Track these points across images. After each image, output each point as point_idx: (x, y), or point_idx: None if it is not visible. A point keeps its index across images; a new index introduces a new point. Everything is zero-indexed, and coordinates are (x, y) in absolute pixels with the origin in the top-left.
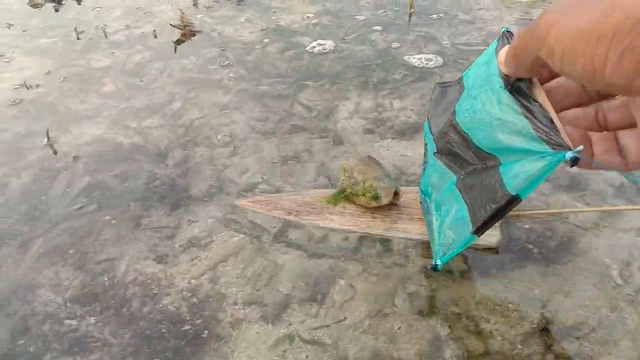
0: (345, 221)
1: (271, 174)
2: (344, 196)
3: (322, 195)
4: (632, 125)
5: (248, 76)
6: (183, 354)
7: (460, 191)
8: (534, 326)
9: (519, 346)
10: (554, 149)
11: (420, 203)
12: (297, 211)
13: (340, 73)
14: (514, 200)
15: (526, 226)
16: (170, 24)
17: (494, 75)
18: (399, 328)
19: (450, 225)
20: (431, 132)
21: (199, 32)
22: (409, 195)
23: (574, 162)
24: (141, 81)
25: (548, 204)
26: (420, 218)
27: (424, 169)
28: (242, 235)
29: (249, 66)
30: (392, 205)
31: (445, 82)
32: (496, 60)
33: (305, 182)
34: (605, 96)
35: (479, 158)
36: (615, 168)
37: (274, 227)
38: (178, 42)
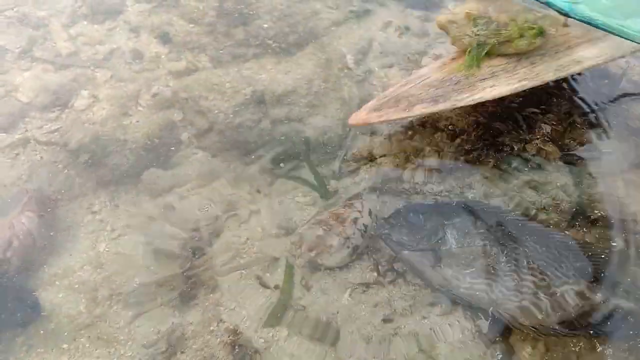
0: (508, 80)
1: None
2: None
3: (447, 66)
4: None
5: None
6: None
7: None
8: (247, 97)
9: (231, 116)
10: None
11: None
12: (442, 96)
13: None
14: None
15: (265, 25)
16: None
17: None
18: (137, 121)
19: None
20: None
21: None
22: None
23: None
24: None
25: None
26: (577, 43)
27: None
28: None
29: None
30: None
31: None
32: None
33: None
34: None
35: None
36: None
37: (18, 47)
38: None
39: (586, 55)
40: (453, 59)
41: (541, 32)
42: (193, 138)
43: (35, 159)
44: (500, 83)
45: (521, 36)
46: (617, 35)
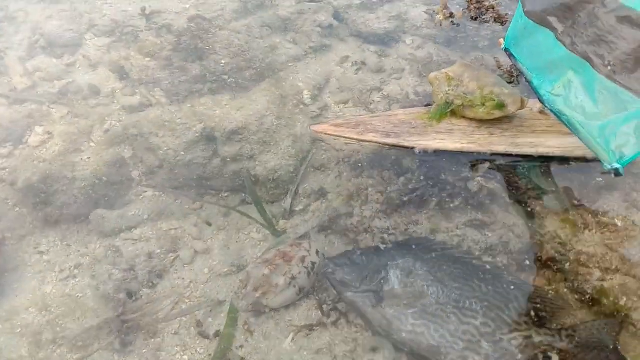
0: (459, 139)
1: None
2: (451, 110)
3: (416, 112)
4: None
5: None
6: None
7: None
8: (197, 135)
9: (182, 153)
10: None
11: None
12: (395, 133)
13: None
14: None
15: (223, 61)
16: None
17: None
18: (88, 158)
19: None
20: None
21: None
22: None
23: None
24: None
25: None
26: (544, 130)
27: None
28: None
29: None
30: (504, 117)
31: None
32: None
33: None
34: None
35: None
36: None
37: None
38: None
39: (545, 143)
40: (427, 105)
41: (500, 106)
42: (142, 176)
43: None
44: (450, 139)
45: (483, 105)
46: (576, 134)
